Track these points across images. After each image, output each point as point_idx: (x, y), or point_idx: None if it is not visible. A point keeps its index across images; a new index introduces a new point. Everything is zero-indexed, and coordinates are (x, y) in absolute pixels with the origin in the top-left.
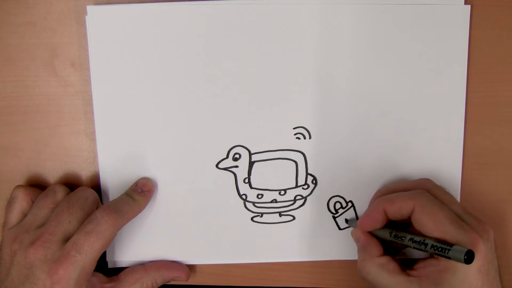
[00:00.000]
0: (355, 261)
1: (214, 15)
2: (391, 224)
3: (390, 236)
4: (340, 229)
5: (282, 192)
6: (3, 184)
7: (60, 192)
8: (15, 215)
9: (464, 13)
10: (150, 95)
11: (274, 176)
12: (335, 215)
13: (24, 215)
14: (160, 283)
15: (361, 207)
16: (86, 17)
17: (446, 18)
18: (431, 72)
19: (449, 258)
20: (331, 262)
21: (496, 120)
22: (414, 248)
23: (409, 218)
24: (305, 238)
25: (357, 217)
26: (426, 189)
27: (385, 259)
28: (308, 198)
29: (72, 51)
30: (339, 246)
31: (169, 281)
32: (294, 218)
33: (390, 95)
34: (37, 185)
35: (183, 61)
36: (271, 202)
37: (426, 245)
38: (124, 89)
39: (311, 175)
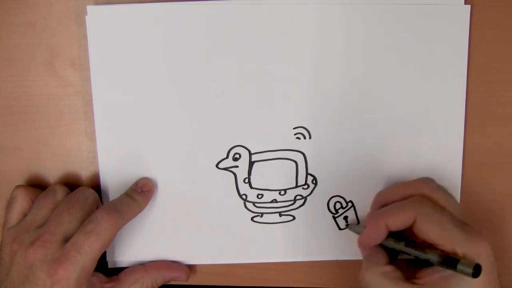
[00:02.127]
0: (355, 261)
1: (213, 15)
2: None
3: (395, 247)
4: (340, 229)
5: (282, 192)
6: (3, 184)
7: (60, 192)
8: (15, 215)
9: (464, 13)
10: (150, 95)
11: (274, 176)
12: (335, 215)
13: (24, 215)
14: (160, 283)
15: (361, 207)
16: (86, 17)
17: (446, 18)
18: (431, 72)
19: (457, 271)
20: (331, 262)
21: (496, 120)
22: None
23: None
24: (305, 238)
25: (357, 218)
26: (426, 192)
27: (389, 268)
28: (308, 198)
29: (72, 51)
30: (339, 246)
31: (169, 281)
32: (294, 218)
33: (390, 95)
34: (37, 185)
35: (183, 61)
36: (271, 202)
37: (433, 260)
38: (124, 89)
39: (311, 175)
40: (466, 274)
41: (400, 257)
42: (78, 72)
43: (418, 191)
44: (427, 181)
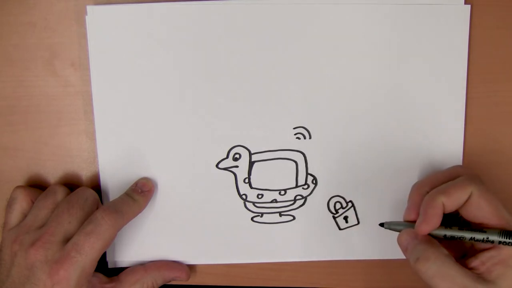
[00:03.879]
0: (354, 261)
1: (213, 15)
2: None
3: (446, 234)
4: (340, 229)
5: (282, 192)
6: (3, 184)
7: (60, 192)
8: (15, 216)
9: (464, 13)
10: (150, 95)
11: (274, 176)
12: (335, 215)
13: (24, 215)
14: (160, 283)
15: (361, 207)
16: (86, 17)
17: (446, 18)
18: (431, 72)
19: None
20: (331, 262)
21: (496, 120)
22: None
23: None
24: (305, 238)
25: (357, 217)
26: (470, 172)
27: (447, 251)
28: (308, 198)
29: (72, 51)
30: (339, 246)
31: (170, 281)
32: (294, 218)
33: (390, 95)
34: (37, 185)
35: (183, 61)
36: (271, 202)
37: (493, 238)
38: (124, 89)
39: (311, 175)
40: None
41: None
42: (78, 72)
43: (463, 171)
44: (463, 167)
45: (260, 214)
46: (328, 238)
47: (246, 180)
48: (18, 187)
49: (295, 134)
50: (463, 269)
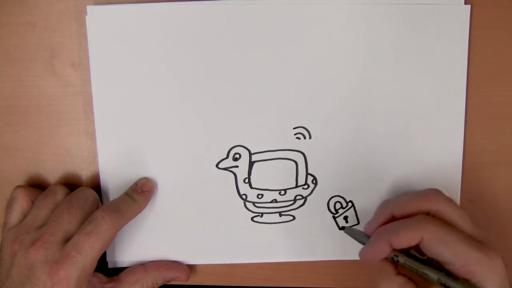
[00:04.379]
0: (355, 261)
1: (213, 15)
2: None
3: (393, 258)
4: (340, 229)
5: (282, 192)
6: (3, 184)
7: (60, 192)
8: (15, 216)
9: (464, 13)
10: (150, 95)
11: (274, 176)
12: (335, 215)
13: (24, 215)
14: (160, 283)
15: (361, 207)
16: (86, 17)
17: (446, 18)
18: (431, 72)
19: None
20: (331, 262)
21: (496, 120)
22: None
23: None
24: (305, 238)
25: (357, 217)
26: (434, 206)
27: (403, 280)
28: (308, 198)
29: (72, 51)
30: (339, 246)
31: (170, 281)
32: (294, 218)
33: (389, 95)
34: (37, 185)
35: (183, 61)
36: (271, 202)
37: (432, 278)
38: (124, 89)
39: (311, 175)
40: None
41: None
42: (78, 72)
43: (426, 205)
44: (436, 194)
45: (260, 214)
46: (328, 238)
47: (246, 180)
48: (18, 187)
49: (295, 134)
50: None
